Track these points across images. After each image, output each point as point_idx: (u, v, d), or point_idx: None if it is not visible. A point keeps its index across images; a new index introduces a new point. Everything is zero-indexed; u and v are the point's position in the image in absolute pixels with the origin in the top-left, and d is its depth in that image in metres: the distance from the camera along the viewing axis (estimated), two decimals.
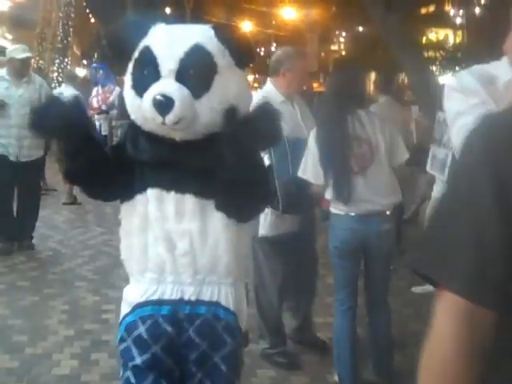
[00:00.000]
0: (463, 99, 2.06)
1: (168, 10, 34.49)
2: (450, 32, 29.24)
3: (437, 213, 1.15)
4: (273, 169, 3.29)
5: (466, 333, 1.03)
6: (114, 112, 8.41)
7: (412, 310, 4.78)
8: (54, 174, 8.90)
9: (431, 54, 24.30)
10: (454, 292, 1.04)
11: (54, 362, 3.83)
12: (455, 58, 25.22)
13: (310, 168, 3.30)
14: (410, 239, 5.83)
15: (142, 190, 2.10)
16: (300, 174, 3.33)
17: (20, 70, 6.00)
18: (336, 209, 3.34)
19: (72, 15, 17.97)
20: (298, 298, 3.97)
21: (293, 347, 3.99)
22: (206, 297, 2.11)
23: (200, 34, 2.05)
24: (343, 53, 34.62)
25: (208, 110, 1.98)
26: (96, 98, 9.39)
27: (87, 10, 34.30)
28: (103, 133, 9.06)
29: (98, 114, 9.11)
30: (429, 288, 4.40)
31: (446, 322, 1.05)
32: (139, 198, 2.11)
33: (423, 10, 25.94)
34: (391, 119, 4.02)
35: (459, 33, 28.67)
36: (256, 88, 25.92)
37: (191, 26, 2.18)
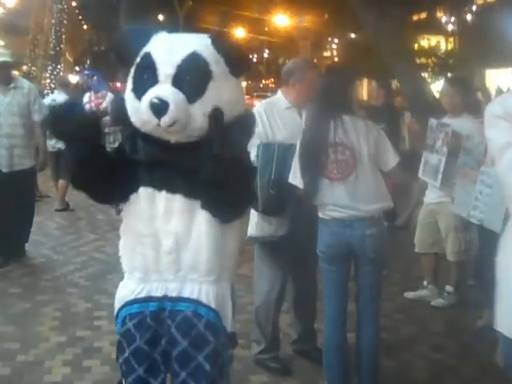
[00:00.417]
0: (510, 128, 1.95)
1: (161, 17, 34.57)
2: (441, 39, 29.37)
3: None
4: (256, 171, 3.39)
5: None
6: (107, 119, 8.39)
7: (404, 315, 4.78)
8: (46, 181, 8.90)
9: (423, 60, 24.41)
10: None
11: (45, 369, 3.80)
12: (447, 65, 25.35)
13: (297, 174, 3.31)
14: (403, 245, 5.85)
15: (136, 189, 2.20)
16: (290, 179, 3.35)
17: (4, 74, 5.71)
18: (321, 213, 3.34)
19: (65, 22, 17.98)
20: (295, 306, 3.96)
21: (286, 353, 3.98)
22: (187, 294, 2.20)
23: (197, 42, 2.16)
24: (335, 59, 34.71)
25: (201, 115, 2.08)
26: (89, 104, 9.38)
27: (80, 17, 34.32)
28: None
29: None
30: (421, 293, 4.44)
31: None
32: (133, 197, 2.22)
33: (415, 17, 26.09)
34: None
35: (451, 39, 28.83)
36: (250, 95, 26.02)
37: (190, 34, 2.27)
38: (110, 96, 9.35)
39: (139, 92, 2.11)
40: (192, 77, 2.08)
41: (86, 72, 16.49)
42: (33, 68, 17.18)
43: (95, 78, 9.69)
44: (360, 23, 9.28)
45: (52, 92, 13.30)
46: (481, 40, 21.75)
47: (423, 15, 26.66)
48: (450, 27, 28.20)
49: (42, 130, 6.01)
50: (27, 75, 13.05)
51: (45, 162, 6.49)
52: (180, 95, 2.05)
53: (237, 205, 2.18)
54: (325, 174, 3.24)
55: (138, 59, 2.17)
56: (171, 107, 2.03)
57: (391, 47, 8.20)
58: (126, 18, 24.72)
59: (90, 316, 4.64)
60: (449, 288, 4.93)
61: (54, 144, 8.02)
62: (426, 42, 29.06)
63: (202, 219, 2.16)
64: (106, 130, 8.13)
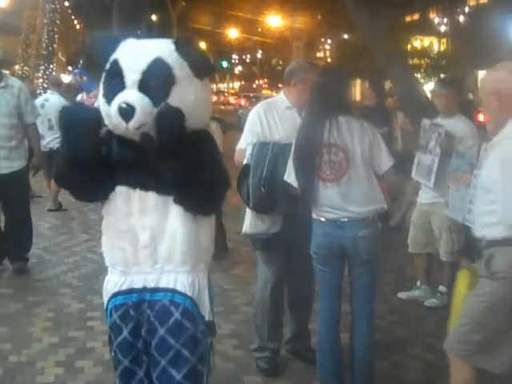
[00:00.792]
0: None
1: (154, 17, 34.50)
2: (434, 40, 29.48)
3: None
4: (249, 167, 3.50)
5: None
6: None
7: (398, 316, 4.78)
8: (38, 181, 8.86)
9: (416, 61, 24.51)
10: None
11: (38, 369, 3.78)
12: (440, 66, 25.46)
13: (292, 172, 3.33)
14: (396, 245, 5.86)
15: (113, 187, 2.34)
16: (285, 177, 3.35)
17: None
18: (314, 214, 3.34)
19: (57, 22, 17.92)
20: (290, 305, 3.96)
21: (280, 354, 3.97)
22: (163, 284, 2.33)
23: (162, 48, 2.27)
24: (328, 60, 34.76)
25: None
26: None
27: (72, 17, 34.24)
28: None
29: None
30: (414, 293, 4.46)
31: None
32: (111, 195, 2.36)
33: (408, 18, 26.18)
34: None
35: (443, 40, 28.95)
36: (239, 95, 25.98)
37: (156, 40, 2.37)
38: None
39: (109, 97, 2.24)
40: (156, 82, 2.20)
41: (76, 70, 16.47)
42: (25, 68, 17.12)
43: (85, 77, 9.68)
44: (353, 24, 9.30)
45: (45, 92, 13.24)
46: (473, 41, 21.86)
47: (416, 16, 26.76)
48: (443, 28, 28.31)
49: (36, 132, 5.92)
50: (19, 75, 12.98)
51: (40, 164, 6.39)
52: (146, 100, 2.18)
53: (206, 198, 2.28)
54: (318, 175, 3.23)
55: (108, 65, 2.30)
56: (137, 111, 2.16)
57: (384, 48, 8.22)
58: (119, 19, 24.70)
59: (83, 316, 4.62)
60: (442, 288, 4.93)
61: (45, 144, 8.00)
62: (419, 42, 29.17)
63: (176, 214, 2.28)
64: None
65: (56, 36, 18.22)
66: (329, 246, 3.29)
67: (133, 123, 2.18)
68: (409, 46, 25.93)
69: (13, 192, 5.58)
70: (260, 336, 3.85)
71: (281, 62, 42.44)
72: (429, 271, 5.13)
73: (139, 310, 2.36)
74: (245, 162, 3.59)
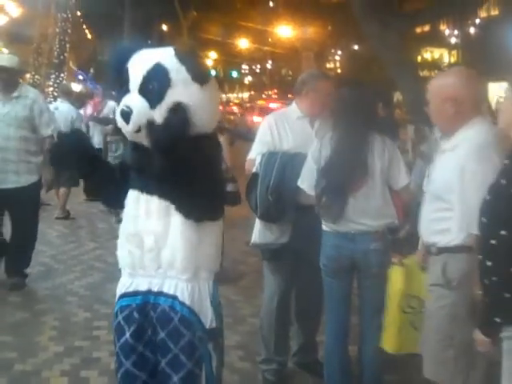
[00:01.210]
0: None
1: (165, 27, 34.69)
2: (445, 51, 29.45)
3: None
4: (258, 176, 3.50)
5: None
6: (109, 127, 8.38)
7: None
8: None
9: (426, 73, 24.47)
10: None
11: (43, 379, 3.76)
12: None
13: (306, 178, 3.32)
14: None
15: (127, 192, 2.47)
16: (299, 183, 3.35)
17: (5, 81, 5.29)
18: (325, 226, 3.32)
19: (69, 31, 18.02)
20: (298, 317, 3.92)
21: (288, 366, 3.93)
22: (166, 289, 2.41)
23: (162, 54, 2.38)
24: (338, 71, 34.78)
25: (162, 119, 2.27)
26: (90, 110, 9.42)
27: (84, 26, 34.47)
28: (97, 146, 9.04)
29: (93, 120, 9.13)
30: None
31: None
32: (126, 199, 2.48)
33: (418, 30, 26.18)
34: None
35: (454, 52, 28.91)
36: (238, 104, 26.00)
37: (160, 49, 2.46)
38: (110, 104, 9.36)
39: (119, 103, 2.39)
40: (153, 85, 2.29)
41: (81, 76, 16.61)
42: (36, 76, 17.20)
43: (81, 77, 9.77)
44: (364, 35, 9.29)
45: (55, 100, 13.31)
46: (484, 53, 21.82)
47: (426, 28, 26.74)
48: (454, 40, 28.28)
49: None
50: (30, 84, 13.05)
51: (53, 180, 6.23)
52: (144, 102, 2.29)
53: (199, 205, 2.32)
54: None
55: (123, 75, 2.42)
56: (133, 113, 2.28)
57: (395, 59, 8.20)
58: (130, 28, 24.90)
59: (89, 326, 4.60)
60: None
61: None
62: (429, 54, 29.15)
63: (178, 220, 2.36)
64: (109, 138, 8.14)
65: (67, 45, 18.32)
66: (338, 258, 3.27)
67: (130, 125, 2.29)
68: (419, 58, 25.92)
69: (19, 207, 5.32)
70: (267, 348, 3.81)
71: (290, 73, 42.50)
72: None
73: (143, 312, 2.43)
74: (253, 170, 3.58)
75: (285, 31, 32.96)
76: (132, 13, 24.61)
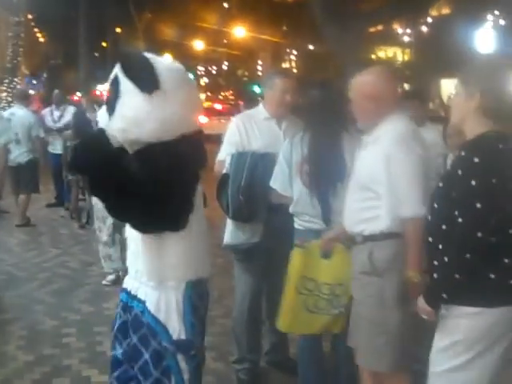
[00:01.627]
0: None
1: (119, 30, 34.34)
2: (398, 50, 29.88)
3: None
4: (228, 177, 3.51)
5: None
6: (69, 132, 8.26)
7: None
8: (6, 196, 8.70)
9: None
10: None
11: None
12: (404, 75, 25.79)
13: (278, 178, 3.35)
14: None
15: None
16: (271, 182, 3.38)
17: None
18: (297, 224, 3.35)
19: (22, 35, 17.66)
20: (269, 316, 3.95)
21: (260, 365, 3.95)
22: (139, 294, 2.44)
23: (117, 66, 2.39)
24: (294, 70, 34.97)
25: (115, 129, 2.32)
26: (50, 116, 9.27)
27: (35, 30, 33.86)
28: (56, 151, 8.91)
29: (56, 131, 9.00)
30: None
31: None
32: None
33: (372, 29, 26.48)
34: None
35: (407, 51, 29.37)
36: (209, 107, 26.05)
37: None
38: (71, 109, 9.23)
39: None
40: (108, 97, 2.39)
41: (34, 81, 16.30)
42: None
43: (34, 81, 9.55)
44: (318, 34, 9.39)
45: (9, 106, 13.05)
46: (436, 51, 22.22)
47: (380, 27, 27.07)
48: (406, 39, 28.73)
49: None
50: None
51: (2, 181, 6.09)
52: (104, 113, 2.39)
53: (136, 218, 2.32)
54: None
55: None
56: (99, 124, 2.43)
57: (351, 58, 8.32)
58: (86, 30, 24.57)
59: (58, 333, 4.54)
60: None
61: (14, 158, 7.88)
62: (383, 53, 29.54)
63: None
64: (68, 143, 8.01)
65: (20, 49, 17.93)
66: None
67: None
68: (373, 57, 26.24)
69: None
70: (239, 348, 3.83)
71: (246, 73, 42.53)
72: None
73: (126, 310, 2.49)
74: (223, 171, 3.59)
75: (240, 32, 32.97)
76: (87, 16, 24.27)
